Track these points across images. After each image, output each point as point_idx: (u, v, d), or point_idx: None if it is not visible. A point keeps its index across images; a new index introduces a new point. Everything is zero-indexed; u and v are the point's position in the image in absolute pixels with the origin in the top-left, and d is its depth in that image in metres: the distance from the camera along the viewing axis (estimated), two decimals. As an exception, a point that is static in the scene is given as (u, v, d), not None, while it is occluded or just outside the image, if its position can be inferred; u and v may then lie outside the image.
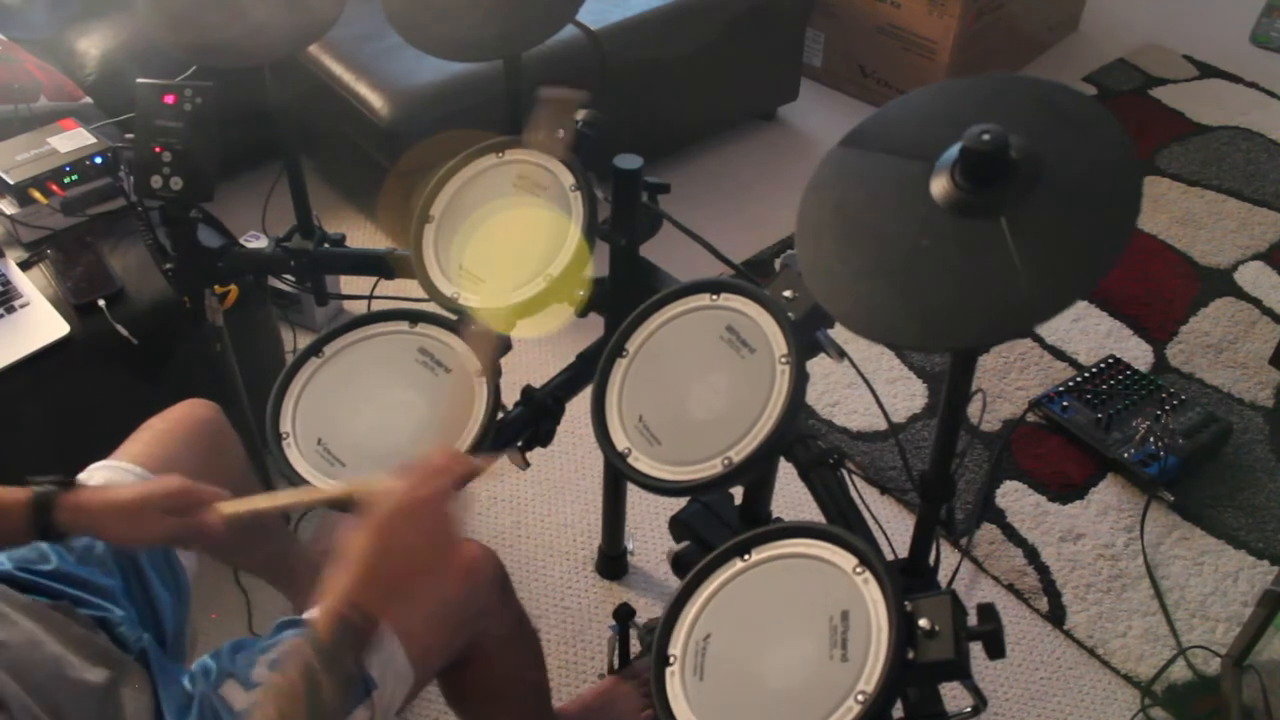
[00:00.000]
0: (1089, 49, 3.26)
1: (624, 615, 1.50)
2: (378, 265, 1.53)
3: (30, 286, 1.57)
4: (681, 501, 1.35)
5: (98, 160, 1.68)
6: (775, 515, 1.36)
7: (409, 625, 1.11)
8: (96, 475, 1.17)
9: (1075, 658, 1.72)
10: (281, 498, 1.08)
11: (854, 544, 0.93)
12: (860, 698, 0.85)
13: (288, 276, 1.59)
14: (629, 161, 1.26)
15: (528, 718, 1.36)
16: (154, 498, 1.01)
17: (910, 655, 0.86)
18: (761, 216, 2.56)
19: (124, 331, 1.53)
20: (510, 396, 1.27)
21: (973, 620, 0.90)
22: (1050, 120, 0.92)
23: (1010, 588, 1.81)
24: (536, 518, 1.89)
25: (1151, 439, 1.97)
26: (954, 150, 0.89)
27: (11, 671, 0.88)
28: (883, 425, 2.05)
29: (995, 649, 0.89)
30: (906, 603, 0.88)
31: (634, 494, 1.76)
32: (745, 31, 2.57)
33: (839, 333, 1.10)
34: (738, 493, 1.33)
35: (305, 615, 0.85)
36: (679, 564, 1.68)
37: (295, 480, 1.14)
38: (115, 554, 1.12)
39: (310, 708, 0.81)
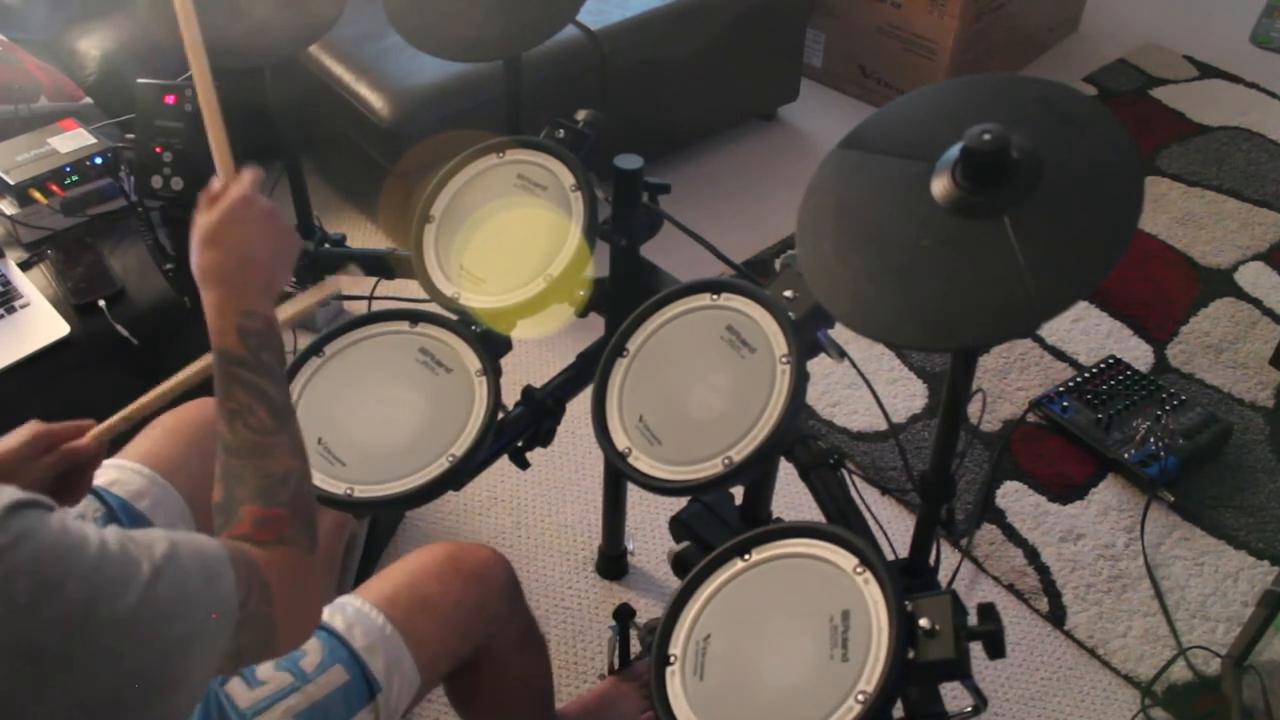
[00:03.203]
0: (1089, 49, 3.26)
1: (624, 615, 1.50)
2: (378, 265, 1.53)
3: (30, 287, 1.57)
4: (681, 501, 1.35)
5: (98, 160, 1.67)
6: (775, 515, 1.36)
7: (418, 629, 1.11)
8: (103, 474, 1.16)
9: (1075, 658, 1.72)
10: (145, 398, 1.02)
11: (854, 544, 0.93)
12: (860, 697, 0.85)
13: (288, 276, 1.59)
14: (629, 161, 1.26)
15: None
16: (18, 450, 0.94)
17: (910, 655, 0.86)
18: (761, 216, 2.56)
19: (124, 331, 1.53)
20: (510, 396, 1.27)
21: (973, 620, 0.90)
22: (1051, 120, 0.92)
23: (1010, 588, 1.81)
24: (536, 518, 1.89)
25: (1152, 439, 1.97)
26: (955, 150, 0.89)
27: None
28: (883, 425, 2.05)
29: (995, 649, 0.90)
30: (907, 603, 0.88)
31: (634, 494, 1.76)
32: (745, 31, 2.57)
33: (839, 333, 1.10)
34: (738, 493, 1.33)
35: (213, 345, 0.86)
36: (679, 564, 1.68)
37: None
38: None
39: (270, 410, 0.84)
